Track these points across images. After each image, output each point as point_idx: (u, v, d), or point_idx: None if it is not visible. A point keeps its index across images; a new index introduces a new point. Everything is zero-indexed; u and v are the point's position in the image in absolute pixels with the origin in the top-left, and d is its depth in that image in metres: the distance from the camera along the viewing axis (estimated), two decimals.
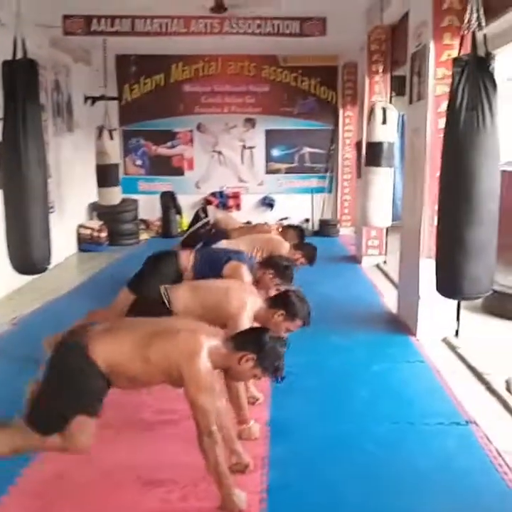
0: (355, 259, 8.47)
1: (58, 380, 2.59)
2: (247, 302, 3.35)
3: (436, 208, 4.64)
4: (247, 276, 4.13)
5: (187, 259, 4.31)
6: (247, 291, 3.50)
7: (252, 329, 2.83)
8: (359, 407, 3.60)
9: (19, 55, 4.97)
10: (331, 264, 7.89)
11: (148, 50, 10.21)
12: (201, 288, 3.61)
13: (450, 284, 3.58)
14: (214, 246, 5.14)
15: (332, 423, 3.38)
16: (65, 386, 2.56)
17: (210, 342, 2.58)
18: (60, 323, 4.32)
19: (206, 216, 6.92)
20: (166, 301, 3.43)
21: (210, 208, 7.22)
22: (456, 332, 4.85)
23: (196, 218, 7.09)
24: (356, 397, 3.73)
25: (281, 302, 3.37)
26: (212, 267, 4.23)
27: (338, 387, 3.89)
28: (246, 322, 3.28)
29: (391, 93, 7.84)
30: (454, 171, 3.47)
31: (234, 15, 7.22)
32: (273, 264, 4.29)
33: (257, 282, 4.37)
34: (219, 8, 6.50)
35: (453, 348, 4.57)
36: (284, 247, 5.21)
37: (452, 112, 3.41)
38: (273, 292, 4.20)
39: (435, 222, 4.60)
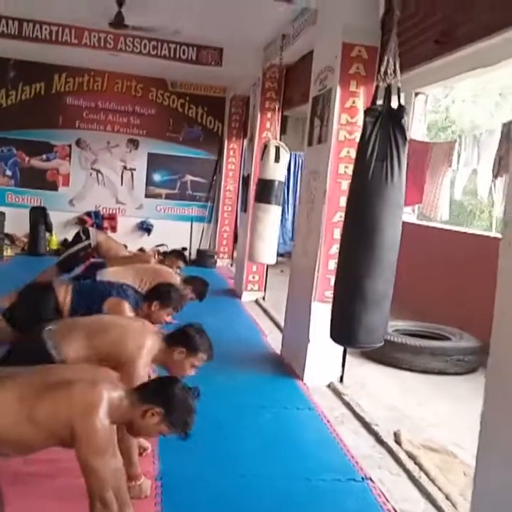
0: (235, 294, 8.38)
1: None
2: (143, 347, 3.06)
3: (331, 252, 4.74)
4: (129, 313, 3.85)
5: (64, 292, 3.96)
6: (146, 331, 3.22)
7: (159, 379, 2.56)
8: (253, 459, 3.41)
9: None
10: (211, 297, 7.72)
11: (30, 56, 9.64)
12: (92, 329, 3.22)
13: (347, 332, 3.54)
14: (98, 275, 4.79)
15: (226, 478, 3.16)
16: None
17: (110, 393, 2.29)
18: None
19: (87, 238, 6.50)
20: (49, 348, 2.99)
21: (92, 230, 6.81)
22: (341, 378, 4.86)
23: (76, 239, 6.65)
24: (248, 448, 3.54)
25: (179, 338, 3.15)
26: (91, 300, 3.91)
27: (228, 436, 3.69)
28: (141, 370, 3.01)
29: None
30: (358, 219, 3.46)
31: (131, 33, 6.99)
32: (156, 294, 4.04)
33: (146, 318, 4.12)
34: (119, 24, 6.23)
35: (339, 394, 4.56)
36: (174, 278, 4.99)
37: (361, 160, 3.42)
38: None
39: (330, 267, 4.68)
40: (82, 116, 10.65)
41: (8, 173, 10.58)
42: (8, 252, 9.97)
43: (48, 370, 2.45)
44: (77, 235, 6.73)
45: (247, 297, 8.09)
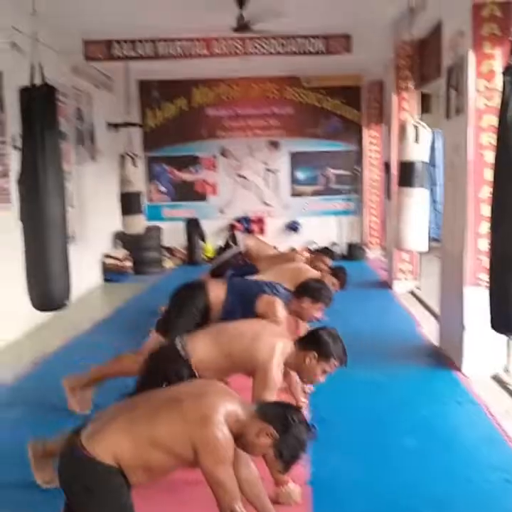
0: (386, 285, 8.11)
1: (79, 497, 2.22)
2: (276, 349, 3.02)
3: (480, 231, 4.37)
4: (282, 311, 3.83)
5: (217, 290, 4.00)
6: (276, 335, 3.17)
7: (285, 405, 2.43)
8: (408, 460, 3.21)
9: (37, 81, 4.83)
10: (360, 290, 7.56)
11: (169, 74, 10.08)
12: (224, 334, 3.23)
13: (508, 320, 3.24)
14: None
15: (379, 481, 3.00)
16: (92, 501, 2.20)
17: (224, 405, 2.24)
18: (83, 362, 4.09)
19: (236, 244, 6.64)
20: (182, 355, 3.03)
21: (239, 235, 6.94)
22: (506, 368, 4.47)
23: (226, 246, 6.81)
24: (403, 448, 3.35)
25: (312, 343, 3.05)
26: (244, 299, 3.93)
27: (381, 434, 3.52)
28: (276, 373, 2.96)
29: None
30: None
31: (256, 34, 7.01)
32: (306, 290, 4.00)
33: (296, 314, 4.07)
34: (242, 27, 6.29)
35: (505, 386, 4.19)
36: (313, 274, 4.94)
37: (504, 125, 3.12)
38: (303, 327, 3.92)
39: (480, 247, 4.33)
40: (223, 125, 10.96)
41: (163, 189, 11.16)
42: (168, 263, 10.51)
43: (156, 395, 2.44)
44: (226, 242, 6.89)
45: (400, 287, 7.77)
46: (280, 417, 2.26)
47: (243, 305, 3.83)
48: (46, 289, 4.95)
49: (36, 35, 4.71)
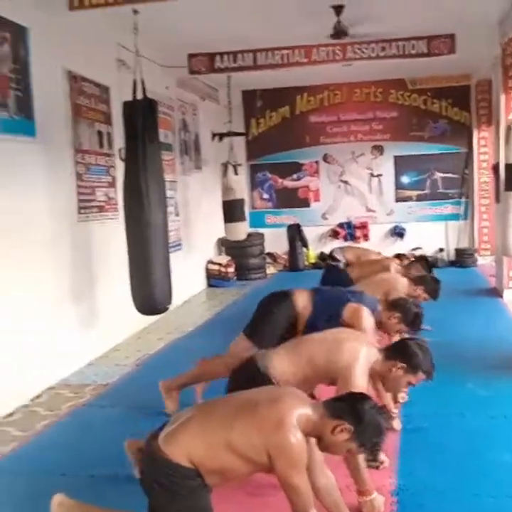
0: (496, 293, 7.73)
1: (159, 498, 2.31)
2: (360, 354, 2.97)
3: None
4: (369, 320, 3.78)
5: (303, 299, 4.02)
6: (360, 340, 3.12)
7: (350, 395, 2.41)
8: (505, 478, 3.05)
9: (139, 96, 5.08)
10: (466, 297, 7.28)
11: (273, 83, 10.21)
12: (305, 342, 3.23)
13: None
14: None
15: (472, 497, 2.85)
16: (170, 502, 2.28)
17: (296, 409, 2.23)
18: (183, 364, 4.22)
19: (337, 260, 6.67)
20: (263, 372, 3.00)
21: (336, 251, 6.96)
22: None
23: (328, 266, 6.83)
24: (501, 464, 3.18)
25: (400, 353, 2.97)
26: (330, 308, 3.92)
27: (477, 449, 3.36)
28: (360, 378, 2.91)
29: None
30: None
31: (355, 40, 6.96)
32: (401, 308, 3.95)
33: (382, 326, 4.04)
34: (339, 33, 6.27)
35: None
36: (401, 284, 4.88)
37: None
38: (395, 338, 3.84)
39: None
40: (325, 131, 10.94)
41: (266, 196, 11.31)
42: (270, 269, 10.63)
43: (232, 400, 2.48)
44: (328, 263, 6.91)
45: (511, 296, 7.39)
46: (349, 408, 2.24)
47: (329, 314, 3.81)
48: (149, 293, 5.20)
49: (139, 51, 4.98)
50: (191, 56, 7.55)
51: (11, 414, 4.22)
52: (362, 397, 2.36)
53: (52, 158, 5.01)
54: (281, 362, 3.05)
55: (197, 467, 2.23)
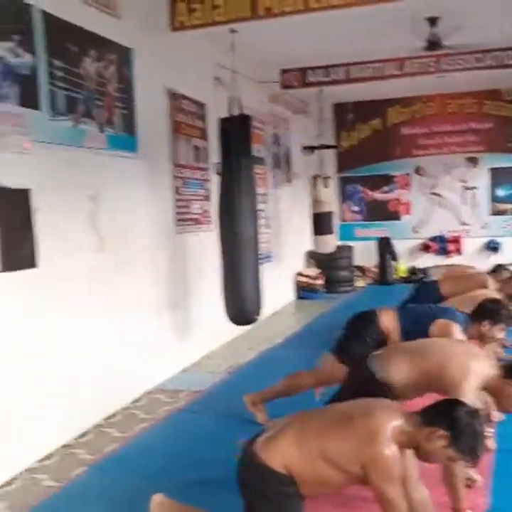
0: None
1: (254, 502, 2.39)
2: (470, 369, 2.87)
3: None
4: (459, 335, 3.69)
5: (389, 319, 3.97)
6: (472, 354, 3.03)
7: (444, 401, 2.38)
8: None
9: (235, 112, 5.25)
10: None
11: (364, 95, 10.20)
12: (417, 352, 3.17)
13: None
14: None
15: None
16: (265, 507, 2.35)
17: (390, 421, 2.24)
18: (272, 374, 4.29)
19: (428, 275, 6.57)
20: (375, 372, 3.04)
21: (431, 270, 6.84)
22: None
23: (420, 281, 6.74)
24: None
25: None
26: (417, 326, 3.84)
27: None
28: (469, 394, 2.82)
29: None
30: None
31: (450, 51, 6.87)
32: (484, 312, 3.81)
33: (477, 339, 3.92)
34: (433, 45, 6.22)
35: None
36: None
37: None
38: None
39: None
40: (417, 143, 10.79)
41: (355, 208, 11.27)
42: (359, 282, 10.57)
43: (329, 411, 2.51)
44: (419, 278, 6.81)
45: None
46: (443, 414, 2.22)
47: (416, 332, 3.74)
48: (239, 303, 5.33)
49: (234, 70, 5.14)
50: (284, 71, 7.72)
51: (112, 416, 4.45)
52: (456, 402, 2.34)
53: (152, 173, 5.26)
54: (395, 369, 3.04)
55: (292, 475, 2.29)
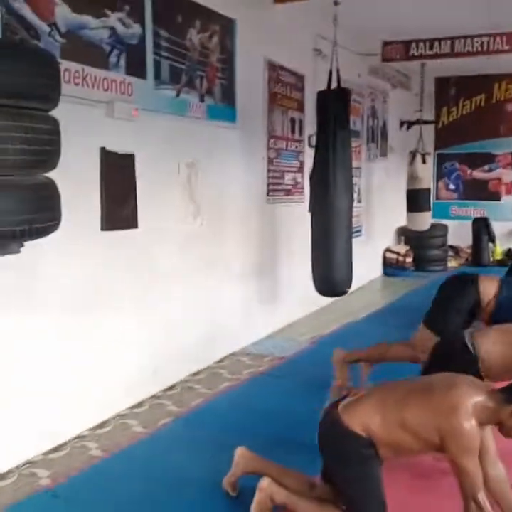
0: None
1: (334, 462, 2.52)
2: None
3: None
4: None
5: (490, 286, 3.83)
6: None
7: None
8: None
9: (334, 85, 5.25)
10: None
11: (468, 70, 9.84)
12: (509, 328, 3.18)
13: None
14: None
15: None
16: (344, 466, 2.47)
17: (472, 397, 2.28)
18: (355, 345, 4.35)
19: None
20: (470, 348, 3.03)
21: None
22: None
23: None
24: None
25: None
26: None
27: None
28: None
29: None
30: None
31: None
32: None
33: None
34: None
35: None
36: None
37: None
38: None
39: None
40: None
41: (452, 187, 10.98)
42: (451, 263, 10.34)
43: (411, 382, 2.58)
44: None
45: None
46: None
47: (510, 308, 3.67)
48: (329, 276, 5.40)
49: (336, 42, 5.14)
50: (386, 44, 7.56)
51: (197, 373, 4.69)
52: None
53: (248, 143, 5.39)
54: (488, 347, 3.03)
55: (371, 438, 2.38)
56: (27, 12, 3.14)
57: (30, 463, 3.25)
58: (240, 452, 2.84)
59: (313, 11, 5.78)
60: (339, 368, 4.03)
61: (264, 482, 2.57)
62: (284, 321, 6.14)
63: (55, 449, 3.41)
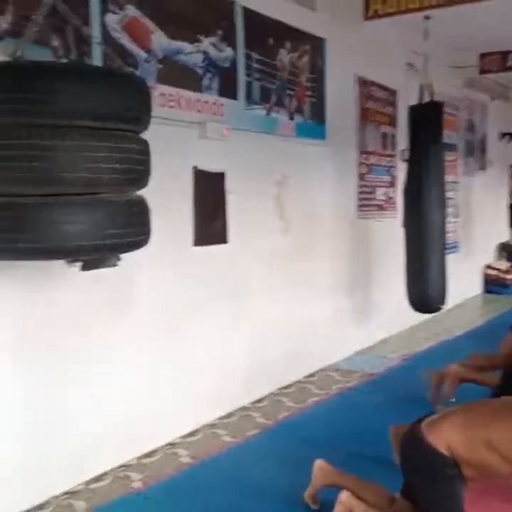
0: None
1: (416, 478, 2.49)
2: None
3: None
4: None
5: None
6: None
7: None
8: None
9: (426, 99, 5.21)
10: None
11: None
12: None
13: None
14: None
15: None
16: (426, 484, 2.43)
17: None
18: (446, 364, 4.27)
19: None
20: None
21: None
22: None
23: None
24: None
25: None
26: None
27: None
28: None
29: None
30: None
31: None
32: None
33: None
34: None
35: None
36: None
37: None
38: None
39: None
40: None
41: None
42: None
43: (495, 401, 2.54)
44: None
45: None
46: None
47: None
48: (423, 292, 5.31)
49: (428, 56, 5.10)
50: (482, 55, 7.39)
51: (287, 387, 4.75)
52: None
53: (338, 159, 5.42)
54: None
55: (455, 457, 2.34)
56: (126, 41, 3.37)
57: (124, 466, 3.43)
58: (318, 465, 2.87)
59: (405, 26, 5.74)
60: (434, 388, 3.99)
61: (344, 495, 2.58)
62: (375, 337, 6.08)
63: (148, 455, 3.57)
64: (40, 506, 3.01)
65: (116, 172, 2.17)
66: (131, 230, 2.29)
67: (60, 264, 2.87)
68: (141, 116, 2.38)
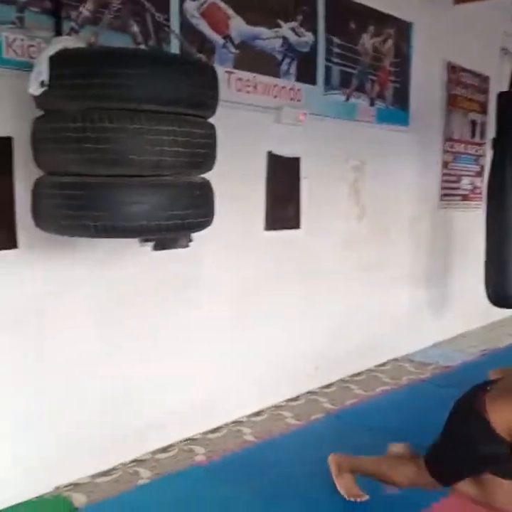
0: None
1: (456, 439, 2.49)
2: None
3: None
4: None
5: None
6: None
7: None
8: None
9: None
10: None
11: None
12: None
13: None
14: None
15: None
16: (462, 448, 2.43)
17: None
18: None
19: None
20: None
21: None
22: None
23: None
24: None
25: None
26: None
27: None
28: None
29: None
30: None
31: None
32: None
33: None
34: None
35: None
36: None
37: None
38: None
39: None
40: None
41: None
42: None
43: None
44: None
45: None
46: None
47: None
48: (504, 285, 5.11)
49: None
50: None
51: (357, 375, 4.74)
52: None
53: (421, 146, 5.30)
54: None
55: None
56: (204, 27, 3.45)
57: (190, 440, 3.56)
58: (330, 459, 2.91)
59: (499, 9, 5.52)
60: None
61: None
62: (453, 331, 5.92)
63: (213, 431, 3.68)
64: (107, 472, 3.17)
65: (179, 155, 2.24)
66: (193, 211, 2.35)
67: (134, 244, 3.02)
68: (208, 101, 2.44)
